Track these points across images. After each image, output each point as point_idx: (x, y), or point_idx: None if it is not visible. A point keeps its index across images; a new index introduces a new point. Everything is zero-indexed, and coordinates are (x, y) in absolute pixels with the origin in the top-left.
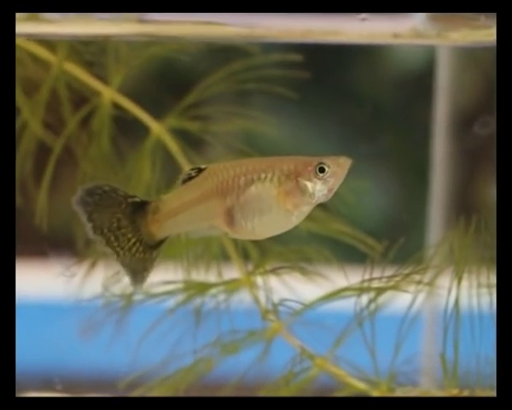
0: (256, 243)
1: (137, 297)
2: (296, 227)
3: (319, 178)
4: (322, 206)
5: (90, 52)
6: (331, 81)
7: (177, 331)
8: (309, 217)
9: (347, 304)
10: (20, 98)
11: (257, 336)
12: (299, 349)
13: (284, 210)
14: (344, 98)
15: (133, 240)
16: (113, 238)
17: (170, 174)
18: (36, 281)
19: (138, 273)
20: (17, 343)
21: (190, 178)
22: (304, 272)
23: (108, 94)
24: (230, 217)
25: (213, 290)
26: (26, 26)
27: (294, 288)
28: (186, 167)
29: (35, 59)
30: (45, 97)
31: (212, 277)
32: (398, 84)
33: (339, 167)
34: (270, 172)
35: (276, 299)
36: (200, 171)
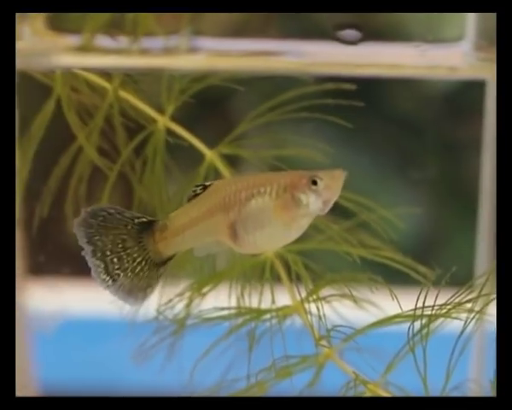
0: (308, 269)
1: (190, 322)
2: (348, 254)
3: (313, 191)
4: (373, 233)
5: (145, 81)
6: (380, 108)
7: (229, 356)
8: (360, 243)
9: (398, 330)
10: (75, 124)
11: (309, 361)
12: (353, 375)
13: (282, 223)
14: (392, 125)
15: (139, 259)
16: (116, 260)
17: None
18: (91, 303)
19: (140, 291)
20: (70, 363)
21: (196, 195)
22: (355, 299)
23: (162, 121)
24: (233, 231)
25: (266, 316)
26: (80, 57)
27: (345, 315)
28: None
29: (91, 87)
30: (100, 124)
31: (263, 302)
32: (448, 112)
33: (332, 180)
34: (269, 186)
35: (327, 325)
36: (205, 188)
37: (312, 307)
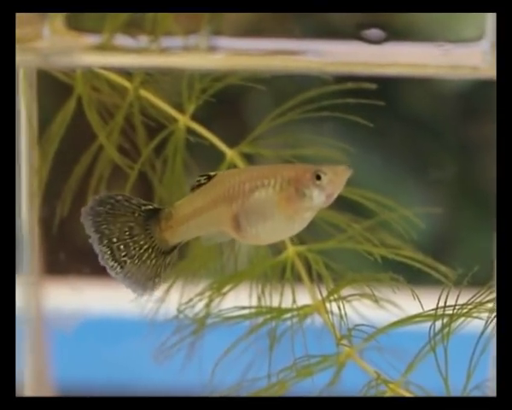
0: (329, 269)
1: (211, 321)
2: (369, 253)
3: (316, 185)
4: (394, 232)
5: (165, 80)
6: (398, 108)
7: (249, 355)
8: (381, 242)
9: (419, 329)
10: (96, 123)
11: (330, 360)
12: (375, 374)
13: (286, 216)
14: (410, 125)
15: (145, 246)
16: (122, 247)
17: None
18: (111, 302)
19: (148, 280)
20: (90, 363)
21: (200, 185)
22: (376, 299)
23: (183, 120)
24: (237, 222)
25: (287, 315)
26: (100, 56)
27: (366, 314)
28: None
29: (112, 86)
30: (120, 123)
31: (284, 301)
32: (466, 112)
33: (336, 175)
34: (273, 178)
35: (348, 324)
36: (209, 178)
37: (333, 306)
